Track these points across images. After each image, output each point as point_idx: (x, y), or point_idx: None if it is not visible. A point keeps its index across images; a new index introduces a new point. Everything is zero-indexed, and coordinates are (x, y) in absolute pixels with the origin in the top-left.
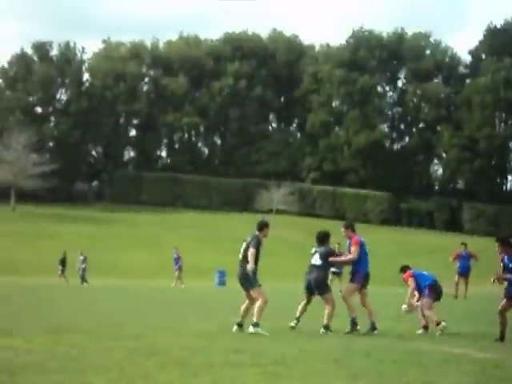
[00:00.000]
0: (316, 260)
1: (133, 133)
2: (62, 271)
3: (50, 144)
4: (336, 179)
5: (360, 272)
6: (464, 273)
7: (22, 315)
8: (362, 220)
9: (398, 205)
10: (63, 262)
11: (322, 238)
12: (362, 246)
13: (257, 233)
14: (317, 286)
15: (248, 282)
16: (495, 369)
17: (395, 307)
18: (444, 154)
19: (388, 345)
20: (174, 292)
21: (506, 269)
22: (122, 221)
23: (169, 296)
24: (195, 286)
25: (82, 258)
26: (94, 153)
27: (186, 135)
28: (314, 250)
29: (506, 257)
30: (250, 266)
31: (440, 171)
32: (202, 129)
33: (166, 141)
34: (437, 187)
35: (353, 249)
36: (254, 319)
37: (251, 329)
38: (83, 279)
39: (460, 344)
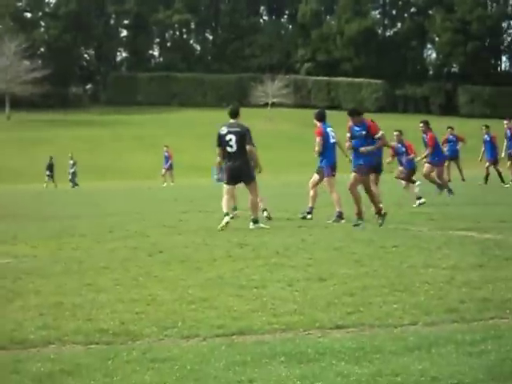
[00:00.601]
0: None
1: (124, 33)
2: (50, 176)
3: (42, 49)
4: (330, 69)
5: (325, 167)
6: (453, 156)
7: (25, 222)
8: None
9: (393, 92)
10: (50, 168)
11: None
12: (325, 136)
13: (234, 121)
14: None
15: (247, 175)
16: (498, 249)
17: (396, 194)
18: (437, 38)
19: (389, 231)
20: (173, 190)
21: (353, 137)
22: (118, 123)
23: (168, 195)
24: (194, 183)
25: (71, 162)
26: (86, 56)
27: (178, 33)
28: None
29: (354, 126)
30: (259, 166)
31: (434, 56)
32: (193, 25)
33: (157, 40)
34: (431, 72)
35: (316, 142)
36: (253, 216)
37: (251, 225)
38: (74, 183)
39: (462, 227)
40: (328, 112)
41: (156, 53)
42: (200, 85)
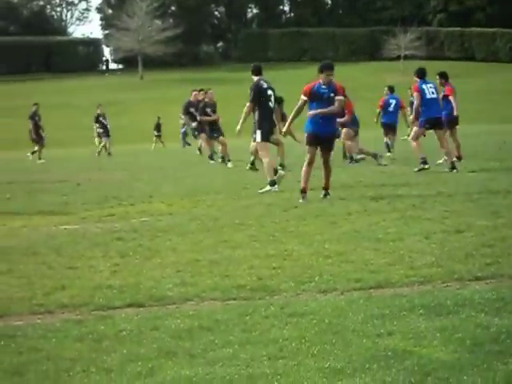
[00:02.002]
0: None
1: None
2: (159, 136)
3: (173, 8)
4: (463, 19)
5: (421, 118)
6: None
7: (159, 181)
8: (492, 59)
9: None
10: (158, 128)
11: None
12: (421, 91)
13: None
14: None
15: None
16: None
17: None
18: None
19: None
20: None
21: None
22: (249, 80)
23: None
24: None
25: (182, 122)
26: (216, 13)
27: None
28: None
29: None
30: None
31: None
32: None
33: None
34: None
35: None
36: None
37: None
38: (185, 142)
39: None
40: (462, 63)
41: (287, 8)
42: (331, 39)
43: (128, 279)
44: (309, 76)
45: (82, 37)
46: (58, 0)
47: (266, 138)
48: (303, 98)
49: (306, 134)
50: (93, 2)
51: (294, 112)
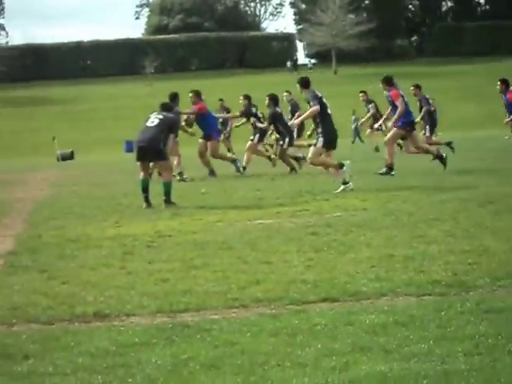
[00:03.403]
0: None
1: None
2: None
3: (366, 2)
4: None
5: (402, 122)
6: None
7: (352, 175)
8: None
9: None
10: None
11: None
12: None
13: None
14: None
15: None
16: None
17: None
18: None
19: None
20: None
21: None
22: (443, 74)
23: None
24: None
25: (353, 117)
26: (411, 7)
27: None
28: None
29: None
30: None
31: None
32: None
33: None
34: None
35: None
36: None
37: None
38: (359, 138)
39: None
40: None
41: (482, 0)
42: None
43: (322, 274)
44: (505, 70)
45: (275, 32)
46: None
47: (329, 145)
48: None
49: None
50: None
51: None
